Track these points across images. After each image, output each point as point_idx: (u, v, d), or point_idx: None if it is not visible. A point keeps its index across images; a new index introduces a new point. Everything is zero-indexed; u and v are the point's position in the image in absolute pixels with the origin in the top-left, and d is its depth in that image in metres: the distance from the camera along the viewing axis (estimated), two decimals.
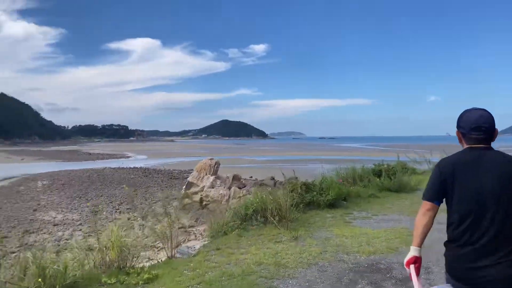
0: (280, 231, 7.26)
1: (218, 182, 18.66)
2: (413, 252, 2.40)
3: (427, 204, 2.37)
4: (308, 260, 6.07)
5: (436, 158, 19.97)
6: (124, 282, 5.40)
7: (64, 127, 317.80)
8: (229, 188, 18.66)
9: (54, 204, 25.29)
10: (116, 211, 22.34)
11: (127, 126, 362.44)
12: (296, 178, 40.59)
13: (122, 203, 24.85)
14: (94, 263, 6.03)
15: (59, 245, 14.84)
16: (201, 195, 18.25)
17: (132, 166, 58.00)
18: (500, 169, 2.24)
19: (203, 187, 18.39)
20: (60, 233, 17.17)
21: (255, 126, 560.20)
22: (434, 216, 2.39)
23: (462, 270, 2.23)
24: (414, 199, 9.68)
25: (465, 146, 2.40)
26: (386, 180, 10.89)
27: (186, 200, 18.92)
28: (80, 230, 17.78)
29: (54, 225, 19.10)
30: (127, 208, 23.14)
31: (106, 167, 56.65)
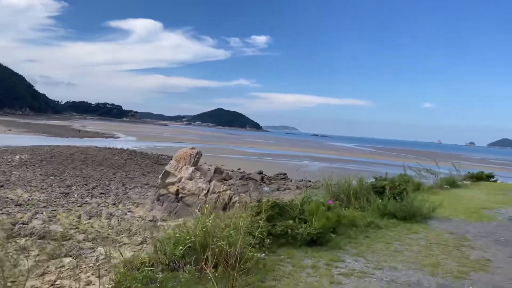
0: None
1: (198, 174, 17.26)
2: None
3: None
4: None
5: (446, 168, 18.17)
6: None
7: (58, 101, 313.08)
8: (210, 181, 17.27)
9: (25, 181, 23.76)
10: (89, 194, 20.88)
11: (121, 106, 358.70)
12: (285, 174, 38.87)
13: (97, 186, 23.40)
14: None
15: (12, 230, 13.42)
16: (178, 186, 16.86)
17: (119, 147, 56.37)
18: None
19: (181, 178, 16.99)
20: (19, 215, 15.69)
21: (250, 118, 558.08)
22: None
23: None
24: (430, 235, 6.84)
25: None
26: (391, 202, 8.13)
27: (162, 190, 17.53)
28: (42, 213, 16.29)
29: (17, 205, 17.60)
30: (101, 192, 21.71)
31: (91, 146, 55.02)
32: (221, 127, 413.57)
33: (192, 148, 18.34)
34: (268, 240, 5.27)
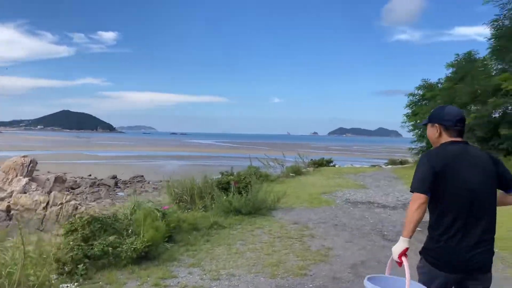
0: None
1: (34, 185, 15.09)
2: (405, 243, 2.37)
3: (421, 198, 2.33)
4: None
5: (291, 157, 19.14)
6: None
7: None
8: (49, 192, 15.25)
9: None
10: None
11: None
12: (142, 176, 36.97)
13: None
14: None
15: None
16: (9, 202, 14.46)
17: None
18: (483, 165, 2.41)
19: (12, 192, 14.62)
20: None
21: (101, 119, 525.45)
22: (426, 208, 2.36)
23: (456, 261, 2.32)
24: (274, 229, 6.81)
25: (445, 140, 2.49)
26: (236, 197, 7.82)
27: None
28: None
29: None
30: None
31: None
32: (68, 130, 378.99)
33: (24, 156, 15.95)
34: (83, 265, 4.25)
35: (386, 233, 6.84)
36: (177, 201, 8.12)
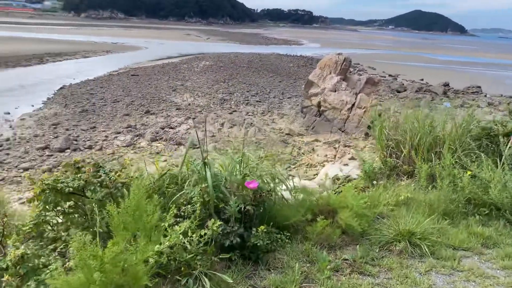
0: None
1: (343, 84, 15.29)
2: None
3: None
4: None
5: None
6: None
7: (254, 10, 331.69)
8: (357, 93, 15.17)
9: (195, 86, 25.74)
10: (244, 102, 21.31)
11: (311, 12, 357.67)
12: (479, 87, 32.54)
13: (256, 94, 23.71)
14: None
15: (157, 133, 14.55)
16: (320, 98, 15.32)
17: (299, 54, 56.68)
18: None
19: (324, 89, 15.32)
20: (174, 119, 16.93)
21: (453, 20, 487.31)
22: None
23: None
24: None
25: None
26: None
27: (306, 102, 16.32)
28: (196, 118, 17.29)
29: (177, 109, 19.10)
30: (257, 101, 21.86)
31: (273, 53, 56.71)
32: (417, 31, 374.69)
33: (338, 54, 16.18)
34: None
35: None
36: (386, 156, 4.47)
